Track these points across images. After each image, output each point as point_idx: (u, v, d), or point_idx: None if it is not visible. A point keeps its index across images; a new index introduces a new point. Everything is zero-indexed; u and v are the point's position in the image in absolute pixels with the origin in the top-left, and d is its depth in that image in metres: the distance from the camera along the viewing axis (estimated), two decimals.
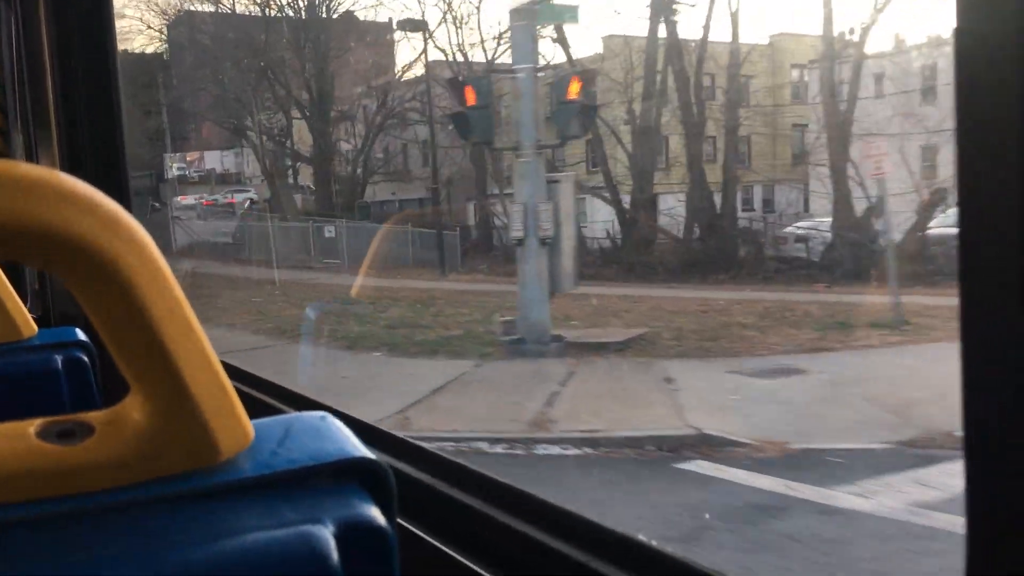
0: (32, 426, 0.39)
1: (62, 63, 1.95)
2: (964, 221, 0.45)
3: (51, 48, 1.96)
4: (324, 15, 33.44)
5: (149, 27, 36.57)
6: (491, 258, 27.04)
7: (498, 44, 26.31)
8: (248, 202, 51.50)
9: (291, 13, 33.95)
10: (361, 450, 0.42)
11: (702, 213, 20.73)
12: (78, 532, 0.37)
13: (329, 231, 23.03)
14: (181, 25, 50.81)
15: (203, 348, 0.39)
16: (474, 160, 30.83)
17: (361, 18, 34.90)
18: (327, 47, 33.26)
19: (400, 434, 1.17)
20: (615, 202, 24.43)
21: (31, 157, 2.20)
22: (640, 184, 24.16)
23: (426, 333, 10.15)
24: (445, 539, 0.99)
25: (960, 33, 0.45)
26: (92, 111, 1.95)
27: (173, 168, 36.18)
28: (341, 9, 33.78)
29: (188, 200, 40.32)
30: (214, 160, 46.67)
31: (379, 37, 36.66)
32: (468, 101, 10.16)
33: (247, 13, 38.46)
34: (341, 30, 33.99)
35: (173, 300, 0.38)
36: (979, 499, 0.46)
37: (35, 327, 0.91)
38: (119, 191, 1.93)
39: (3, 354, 0.87)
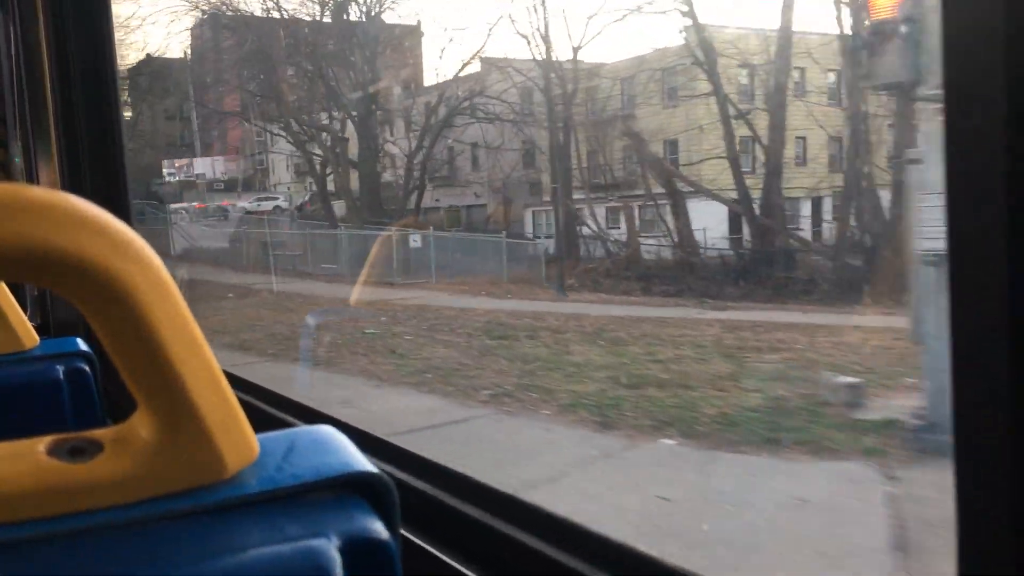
0: (42, 443, 0.39)
1: (61, 77, 1.92)
2: (952, 222, 0.45)
3: (50, 61, 1.92)
4: (353, 18, 30.23)
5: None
6: (586, 271, 23.38)
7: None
8: (275, 208, 48.06)
9: (309, 16, 30.31)
10: (364, 464, 0.42)
11: (868, 220, 17.12)
12: (88, 549, 0.37)
13: (414, 240, 19.36)
14: (203, 28, 47.84)
15: (210, 365, 0.39)
16: (559, 155, 27.23)
17: (388, 21, 31.62)
18: (373, 49, 29.82)
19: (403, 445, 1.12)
20: (743, 205, 20.71)
21: (31, 171, 2.17)
22: (770, 184, 20.47)
23: (691, 398, 6.51)
24: (448, 550, 0.98)
25: (947, 39, 0.45)
26: (92, 127, 1.92)
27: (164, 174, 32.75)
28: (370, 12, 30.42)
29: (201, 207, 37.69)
30: (205, 166, 43.30)
31: (410, 40, 33.56)
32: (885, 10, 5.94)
33: (268, 15, 36.04)
34: (373, 34, 30.76)
35: (181, 319, 0.38)
36: (969, 501, 0.46)
37: (36, 338, 0.91)
38: (121, 209, 1.91)
39: (5, 365, 0.87)
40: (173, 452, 0.39)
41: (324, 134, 33.98)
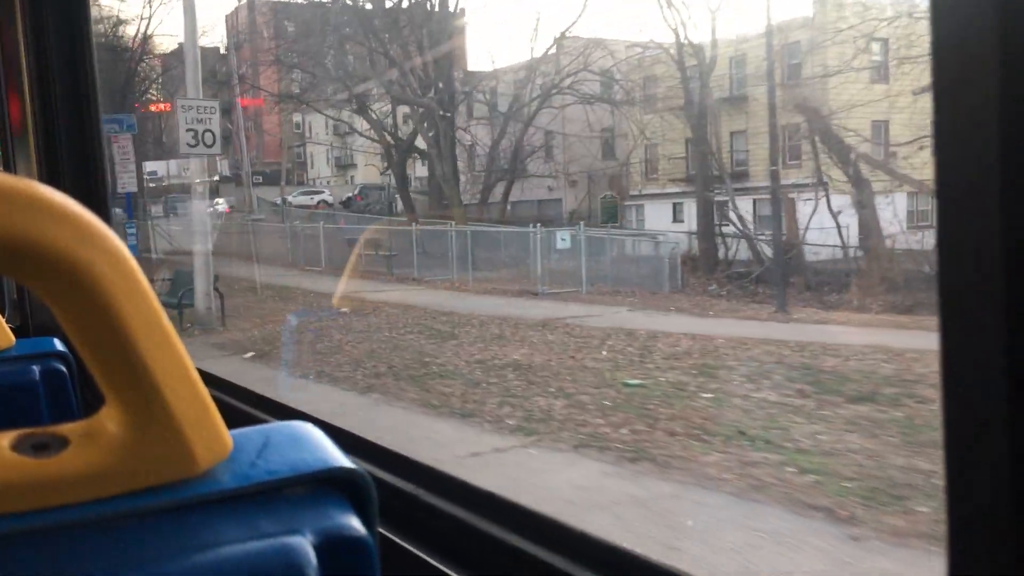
0: (6, 439, 0.38)
1: (40, 76, 1.89)
2: (942, 223, 0.44)
3: (28, 54, 1.90)
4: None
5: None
6: (728, 277, 19.21)
7: None
8: (319, 203, 44.07)
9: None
10: (341, 460, 0.41)
11: None
12: (53, 546, 0.37)
13: (562, 240, 15.27)
14: (239, 16, 44.14)
15: (180, 358, 0.38)
16: (697, 140, 23.09)
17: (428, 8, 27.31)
18: (439, 35, 25.65)
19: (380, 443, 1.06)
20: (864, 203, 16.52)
21: (8, 166, 2.13)
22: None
23: None
24: (427, 548, 0.97)
25: (936, 37, 0.44)
26: (70, 120, 1.89)
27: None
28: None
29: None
30: (159, 168, 39.43)
31: (454, 25, 29.57)
32: None
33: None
34: (419, 19, 26.61)
35: (149, 310, 0.37)
36: (959, 500, 0.45)
37: (12, 338, 0.90)
38: (97, 201, 1.90)
39: None
40: (142, 447, 0.38)
41: (389, 121, 29.94)
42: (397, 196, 38.52)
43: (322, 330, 11.14)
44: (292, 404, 1.41)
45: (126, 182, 13.29)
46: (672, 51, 24.26)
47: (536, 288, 14.85)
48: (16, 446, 0.38)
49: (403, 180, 24.72)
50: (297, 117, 57.39)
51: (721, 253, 21.13)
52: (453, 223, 18.41)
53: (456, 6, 25.60)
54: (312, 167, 60.34)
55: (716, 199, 22.37)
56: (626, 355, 8.65)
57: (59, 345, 0.91)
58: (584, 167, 34.15)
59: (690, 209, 30.06)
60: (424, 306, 13.29)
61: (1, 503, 0.37)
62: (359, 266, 19.98)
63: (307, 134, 58.23)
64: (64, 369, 0.89)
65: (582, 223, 15.71)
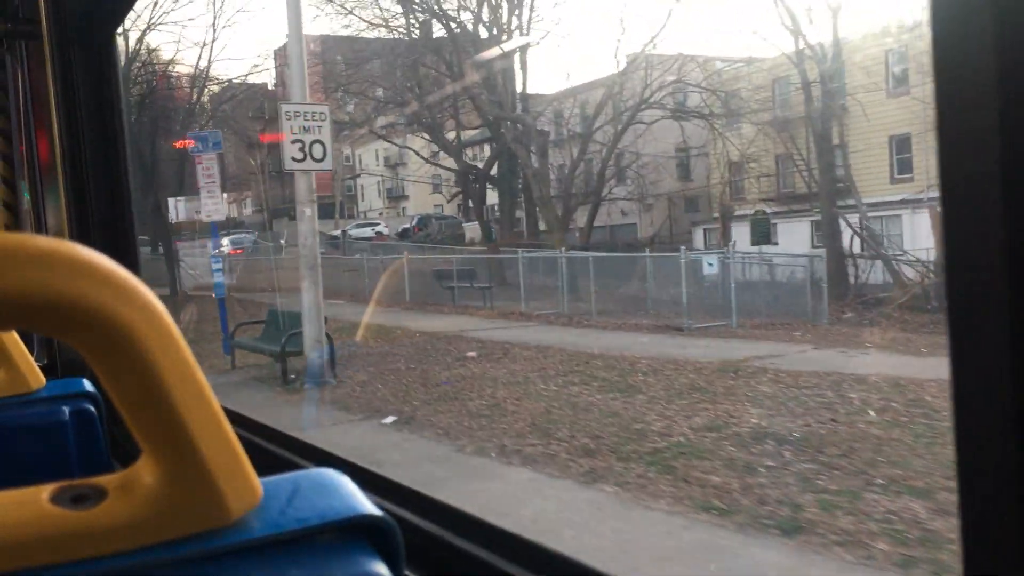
0: (45, 491, 0.39)
1: (68, 121, 1.88)
2: (947, 223, 0.44)
3: (58, 106, 1.89)
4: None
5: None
6: (867, 303, 16.76)
7: None
8: (376, 234, 42.27)
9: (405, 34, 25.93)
10: (367, 507, 0.42)
11: None
12: None
13: (709, 265, 13.03)
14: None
15: (213, 411, 0.39)
16: (822, 151, 20.85)
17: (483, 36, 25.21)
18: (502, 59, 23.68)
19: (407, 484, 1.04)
20: None
21: (39, 214, 2.18)
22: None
23: None
24: None
25: (936, 38, 0.44)
26: (98, 172, 1.88)
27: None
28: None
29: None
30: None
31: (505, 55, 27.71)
32: None
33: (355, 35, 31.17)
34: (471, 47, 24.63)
35: (184, 364, 0.38)
36: (973, 500, 0.45)
37: (43, 379, 0.91)
38: (127, 256, 1.90)
39: (11, 407, 0.87)
40: (177, 498, 0.39)
41: (466, 149, 28.03)
42: (464, 224, 36.64)
43: (461, 381, 8.99)
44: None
45: (211, 210, 11.35)
46: (788, 56, 22.05)
47: (679, 321, 12.57)
48: (55, 498, 0.39)
49: (481, 207, 22.63)
50: (347, 150, 56.23)
51: (852, 276, 18.77)
52: (563, 249, 16.24)
53: (523, 28, 23.56)
54: (363, 199, 58.95)
55: (823, 217, 19.99)
56: (908, 415, 6.35)
57: (88, 385, 0.92)
58: (658, 189, 31.92)
59: (789, 229, 27.66)
60: (558, 346, 11.08)
61: (41, 555, 0.37)
62: (452, 299, 17.90)
63: (356, 167, 56.94)
64: (93, 410, 0.91)
65: (733, 242, 13.41)
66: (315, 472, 0.45)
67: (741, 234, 29.22)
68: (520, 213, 27.76)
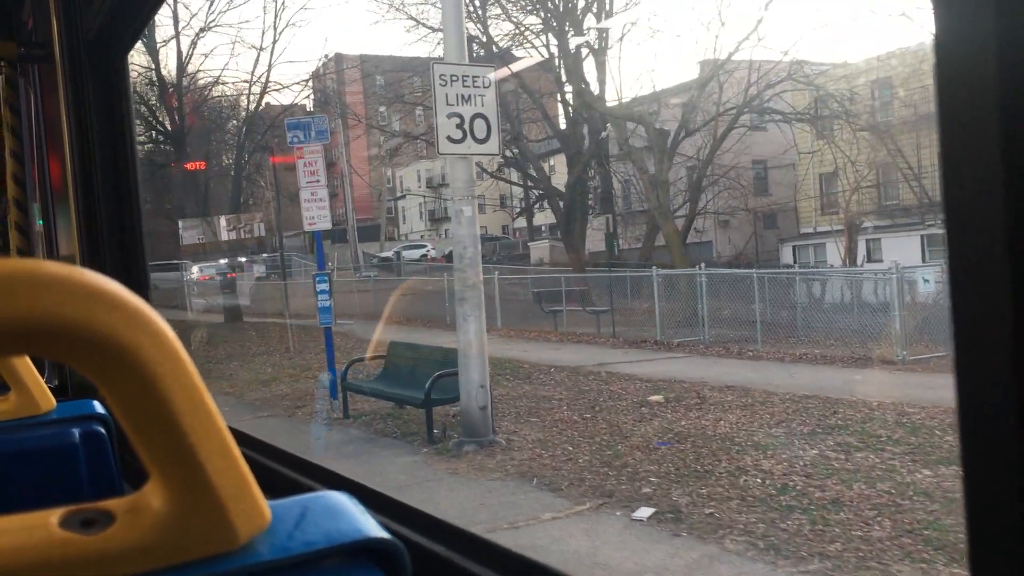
0: (55, 515, 0.39)
1: (80, 145, 1.85)
2: (950, 227, 0.44)
3: (70, 130, 1.86)
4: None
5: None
6: None
7: None
8: (422, 256, 39.93)
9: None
10: (375, 530, 0.42)
11: None
12: None
13: (925, 280, 10.47)
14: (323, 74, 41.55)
15: (222, 435, 0.39)
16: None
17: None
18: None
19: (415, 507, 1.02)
20: None
21: (50, 240, 2.15)
22: None
23: None
24: None
25: (939, 45, 0.44)
26: (109, 198, 1.86)
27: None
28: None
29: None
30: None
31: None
32: None
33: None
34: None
35: (193, 390, 0.38)
36: (979, 503, 0.44)
37: (53, 401, 0.90)
38: (138, 280, 1.88)
39: (23, 429, 0.87)
40: (186, 522, 0.38)
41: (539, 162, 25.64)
42: (529, 244, 34.19)
43: (678, 440, 6.45)
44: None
45: (315, 216, 8.93)
46: (915, 51, 19.52)
47: (885, 352, 9.96)
48: (64, 522, 0.38)
49: (567, 222, 20.14)
50: (388, 171, 54.23)
51: None
52: (702, 266, 13.67)
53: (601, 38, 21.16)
54: (405, 221, 56.87)
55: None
56: None
57: (98, 407, 0.92)
58: (733, 205, 29.29)
59: (894, 245, 24.90)
60: (756, 387, 8.52)
61: None
62: (554, 325, 15.40)
63: (398, 189, 54.89)
64: (104, 431, 0.90)
65: (897, 263, 10.79)
66: (323, 495, 0.44)
67: (834, 252, 26.56)
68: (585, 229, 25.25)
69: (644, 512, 4.82)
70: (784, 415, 7.17)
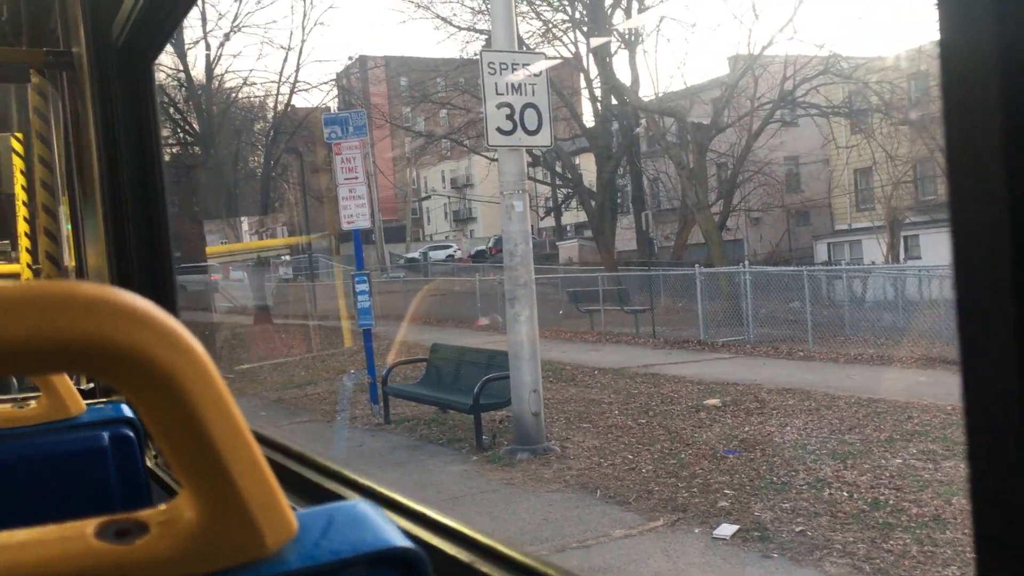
0: (90, 526, 0.40)
1: (108, 154, 1.86)
2: (954, 226, 0.45)
3: (98, 139, 1.87)
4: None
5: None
6: None
7: None
8: (447, 257, 39.60)
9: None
10: (398, 539, 0.43)
11: None
12: None
13: None
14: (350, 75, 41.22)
15: (250, 448, 0.40)
16: None
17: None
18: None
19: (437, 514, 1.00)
20: None
21: (78, 245, 2.16)
22: None
23: None
24: None
25: (944, 45, 0.45)
26: (136, 201, 1.87)
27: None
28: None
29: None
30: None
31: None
32: None
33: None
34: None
35: (223, 405, 0.39)
36: (985, 500, 0.44)
37: (83, 404, 0.92)
38: (166, 297, 1.88)
39: (53, 432, 0.89)
40: (217, 532, 0.40)
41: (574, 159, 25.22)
42: (558, 243, 33.77)
43: (745, 448, 6.04)
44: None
45: (353, 214, 8.59)
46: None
47: (953, 353, 9.47)
48: (99, 533, 0.40)
49: (601, 221, 19.69)
50: (412, 172, 53.95)
51: None
52: (746, 263, 13.21)
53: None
54: (429, 222, 56.58)
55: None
56: None
57: (127, 411, 0.95)
58: (764, 202, 28.67)
59: (934, 241, 24.19)
60: (816, 390, 8.07)
61: None
62: (590, 325, 15.00)
63: (423, 189, 54.61)
64: (132, 434, 0.94)
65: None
66: (348, 504, 0.46)
67: (871, 249, 25.89)
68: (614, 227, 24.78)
69: (727, 529, 4.42)
70: (854, 420, 6.72)
